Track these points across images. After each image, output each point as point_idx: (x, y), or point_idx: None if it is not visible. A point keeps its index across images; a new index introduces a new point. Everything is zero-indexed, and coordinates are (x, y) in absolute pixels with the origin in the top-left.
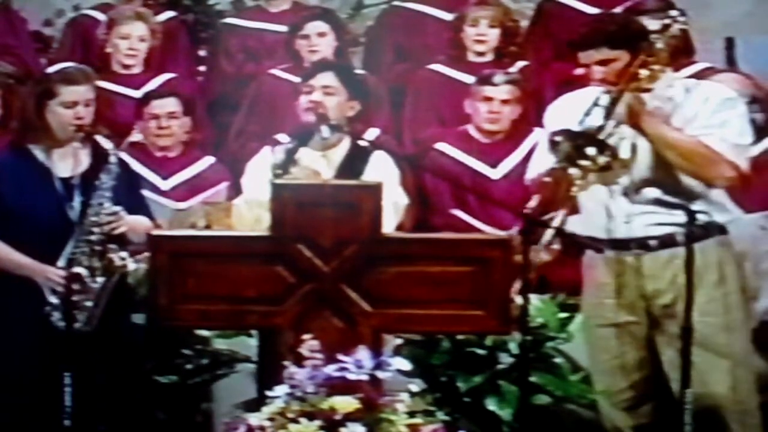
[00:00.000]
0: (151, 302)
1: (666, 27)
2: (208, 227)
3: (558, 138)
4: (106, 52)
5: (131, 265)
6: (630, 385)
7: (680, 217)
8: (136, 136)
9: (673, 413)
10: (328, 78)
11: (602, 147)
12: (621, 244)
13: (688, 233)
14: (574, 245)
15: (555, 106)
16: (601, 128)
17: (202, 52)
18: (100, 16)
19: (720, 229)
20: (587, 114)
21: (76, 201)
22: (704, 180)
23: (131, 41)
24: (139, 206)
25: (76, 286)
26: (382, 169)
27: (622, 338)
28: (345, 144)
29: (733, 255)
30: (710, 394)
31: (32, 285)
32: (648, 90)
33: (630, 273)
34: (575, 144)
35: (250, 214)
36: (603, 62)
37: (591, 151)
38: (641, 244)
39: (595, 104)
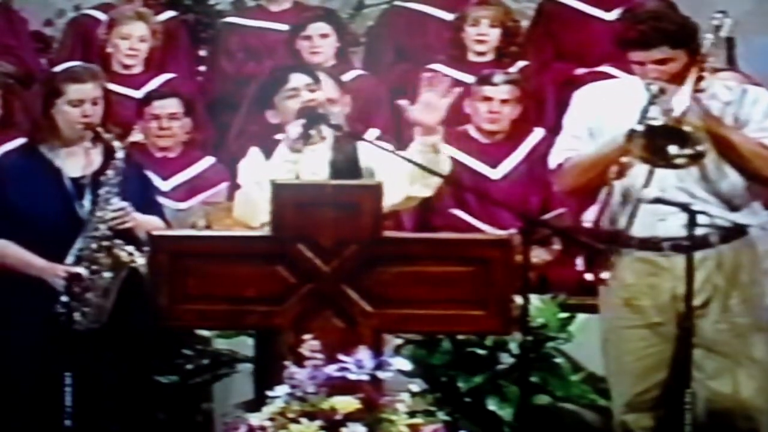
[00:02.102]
0: (151, 302)
1: (717, 28)
2: (208, 227)
3: (636, 131)
4: (106, 52)
5: (139, 260)
6: (653, 386)
7: (706, 217)
8: (136, 136)
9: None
10: (303, 78)
11: (685, 144)
12: (653, 244)
13: (690, 233)
14: (574, 245)
15: (584, 93)
16: (678, 125)
17: (202, 52)
18: (101, 16)
19: (745, 230)
20: (646, 110)
21: (87, 200)
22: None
23: (132, 41)
24: (151, 207)
25: (84, 283)
26: (375, 153)
27: (649, 339)
28: (328, 138)
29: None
30: (738, 395)
31: (42, 284)
32: (701, 90)
33: (663, 274)
34: (655, 139)
35: (263, 195)
36: (660, 61)
37: (673, 148)
38: (675, 245)
39: (653, 101)
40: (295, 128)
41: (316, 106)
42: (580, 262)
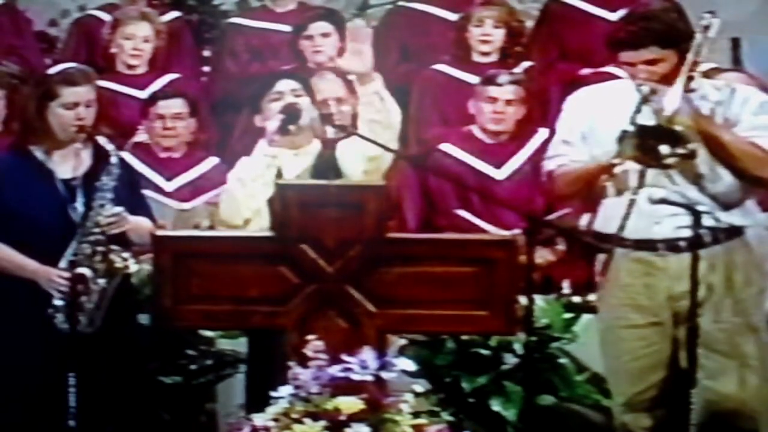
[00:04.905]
0: (154, 303)
1: (706, 28)
2: (211, 228)
3: (627, 131)
4: (110, 52)
5: (133, 267)
6: (651, 386)
7: (707, 219)
8: (140, 137)
9: (688, 413)
10: (290, 83)
11: (677, 144)
12: (648, 245)
13: (694, 234)
14: (580, 245)
15: (576, 97)
16: (669, 125)
17: (206, 53)
18: (105, 17)
19: (740, 231)
20: (637, 111)
21: (79, 202)
22: (759, 181)
23: (136, 41)
24: (140, 207)
25: (78, 288)
26: (351, 154)
27: (646, 339)
28: (315, 144)
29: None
30: (738, 395)
31: (35, 287)
32: (692, 91)
33: (658, 274)
34: (647, 139)
35: (244, 191)
36: (650, 62)
37: (664, 148)
38: (670, 245)
39: (644, 102)
40: (273, 122)
41: (298, 105)
42: (598, 265)
